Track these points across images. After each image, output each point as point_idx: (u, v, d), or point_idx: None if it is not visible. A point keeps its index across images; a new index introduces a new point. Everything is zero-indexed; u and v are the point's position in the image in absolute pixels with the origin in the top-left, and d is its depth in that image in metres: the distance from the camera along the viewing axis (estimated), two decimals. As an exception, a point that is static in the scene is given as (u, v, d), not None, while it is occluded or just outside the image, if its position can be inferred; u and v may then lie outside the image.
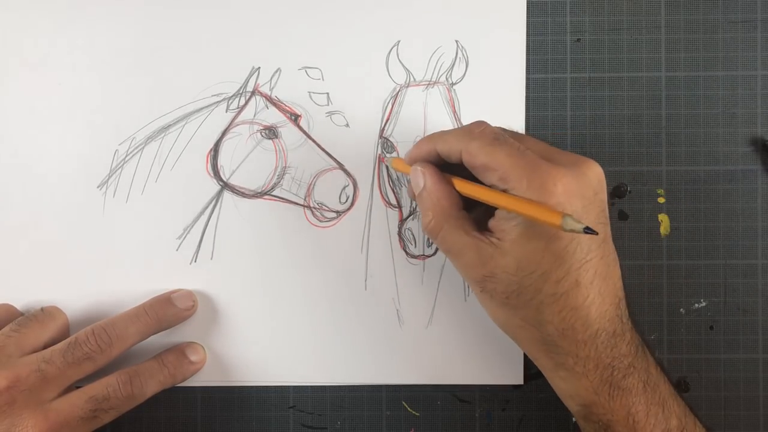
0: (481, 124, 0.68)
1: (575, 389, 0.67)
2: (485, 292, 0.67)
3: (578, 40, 0.81)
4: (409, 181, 0.74)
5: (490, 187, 0.66)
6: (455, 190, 0.69)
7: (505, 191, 0.64)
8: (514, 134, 0.68)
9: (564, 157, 0.65)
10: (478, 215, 0.70)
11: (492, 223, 0.67)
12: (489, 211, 0.68)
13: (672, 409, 0.67)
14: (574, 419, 0.81)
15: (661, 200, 0.81)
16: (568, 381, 0.67)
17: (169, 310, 0.78)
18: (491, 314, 0.70)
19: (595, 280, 0.64)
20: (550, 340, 0.66)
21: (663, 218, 0.81)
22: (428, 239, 0.80)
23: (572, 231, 0.58)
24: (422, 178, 0.70)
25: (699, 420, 0.69)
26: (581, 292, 0.64)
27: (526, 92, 0.80)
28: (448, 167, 0.70)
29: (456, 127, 0.79)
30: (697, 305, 0.81)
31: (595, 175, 0.65)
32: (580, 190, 0.63)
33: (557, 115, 0.81)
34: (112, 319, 0.75)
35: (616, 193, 0.81)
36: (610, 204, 0.80)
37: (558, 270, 0.63)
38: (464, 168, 0.68)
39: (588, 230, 0.57)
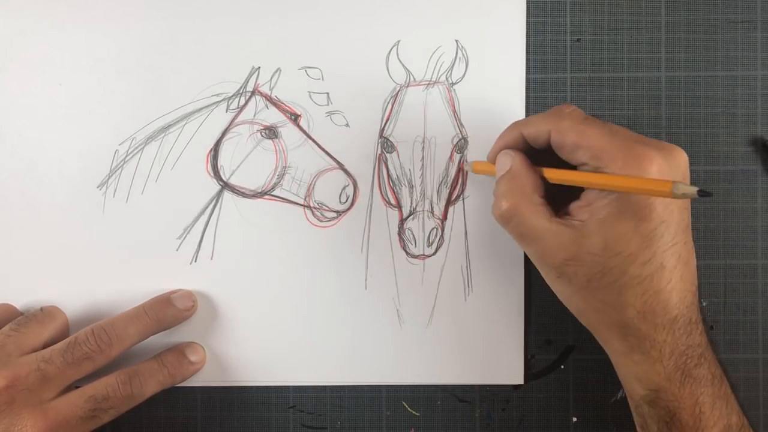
0: (570, 106, 0.69)
1: (647, 373, 0.67)
2: (564, 276, 0.67)
3: (578, 40, 0.81)
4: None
5: (580, 167, 0.66)
6: (540, 179, 0.69)
7: (596, 170, 0.64)
8: (599, 119, 0.68)
9: (650, 140, 0.65)
10: (556, 206, 0.70)
11: (575, 206, 0.67)
12: (566, 201, 0.69)
13: (733, 405, 0.68)
14: (574, 419, 0.80)
15: (662, 200, 0.81)
16: (642, 365, 0.67)
17: (168, 311, 0.78)
18: (566, 299, 0.70)
19: (678, 265, 0.65)
20: (630, 323, 0.66)
21: (663, 218, 0.81)
22: (428, 239, 0.80)
23: (685, 196, 0.57)
24: (510, 161, 0.70)
25: (749, 422, 0.70)
26: (665, 276, 0.64)
27: (526, 92, 0.80)
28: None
29: (456, 125, 0.79)
30: (697, 305, 0.81)
31: (683, 160, 0.65)
32: (671, 173, 0.63)
33: (557, 115, 0.81)
34: (111, 320, 0.75)
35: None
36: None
37: (645, 252, 0.64)
38: (547, 158, 0.69)
39: (703, 193, 0.57)
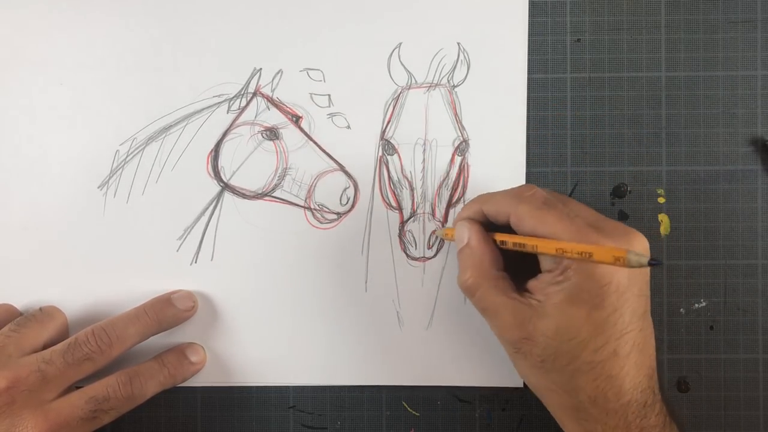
0: (530, 188, 0.69)
1: None
2: (520, 353, 0.67)
3: (578, 40, 0.81)
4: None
5: (537, 254, 0.67)
6: (498, 251, 0.70)
7: (555, 257, 0.65)
8: (561, 198, 0.69)
9: (611, 226, 0.66)
10: (515, 279, 0.70)
11: (533, 284, 0.67)
12: (527, 275, 0.69)
13: None
14: (574, 419, 0.81)
15: (661, 200, 0.81)
16: None
17: (169, 311, 0.78)
18: (523, 375, 0.71)
19: (633, 352, 0.65)
20: (581, 407, 0.66)
21: (663, 218, 0.81)
22: (429, 241, 0.80)
23: (638, 266, 0.57)
24: (467, 234, 0.70)
25: None
26: (618, 363, 0.64)
27: (526, 92, 0.80)
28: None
29: (457, 127, 0.79)
30: (697, 305, 0.81)
31: (642, 248, 0.65)
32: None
33: (557, 115, 0.81)
34: (112, 320, 0.75)
35: (616, 193, 0.81)
36: (611, 204, 0.80)
37: (597, 338, 0.64)
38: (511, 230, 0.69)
39: (653, 262, 0.57)
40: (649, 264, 0.56)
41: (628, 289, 0.64)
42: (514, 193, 0.69)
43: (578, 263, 0.63)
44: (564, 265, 0.64)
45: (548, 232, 0.64)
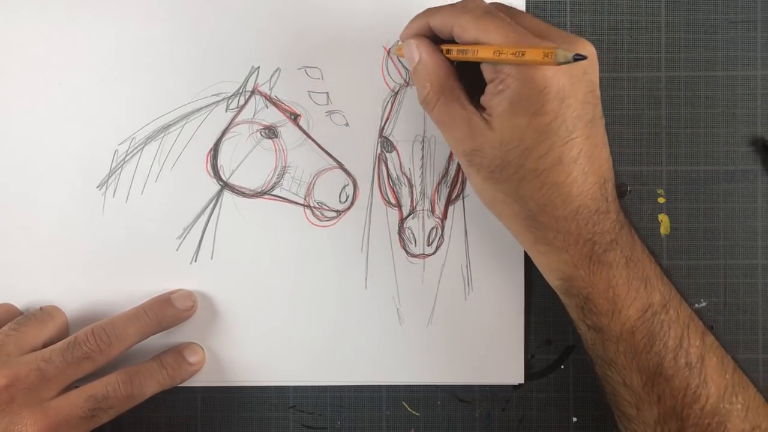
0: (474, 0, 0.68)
1: (555, 263, 0.68)
2: (472, 165, 0.68)
3: (578, 40, 0.81)
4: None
5: (480, 65, 0.67)
6: (450, 63, 0.70)
7: (495, 65, 0.65)
8: (509, 9, 0.69)
9: (556, 34, 0.66)
10: (471, 98, 0.70)
11: (482, 99, 0.68)
12: (480, 93, 0.69)
13: (655, 285, 0.68)
14: (574, 419, 0.81)
15: (661, 200, 0.81)
16: (548, 255, 0.69)
17: (168, 311, 0.78)
18: (477, 189, 0.71)
19: (580, 159, 0.65)
20: (531, 215, 0.67)
21: (663, 218, 0.81)
22: (428, 238, 0.80)
23: (565, 61, 0.58)
24: (416, 51, 0.70)
25: (685, 300, 0.70)
26: (563, 170, 0.65)
27: (526, 92, 0.80)
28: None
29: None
30: (697, 305, 0.81)
31: (587, 52, 0.65)
32: (571, 69, 0.64)
33: (557, 115, 0.81)
34: (111, 319, 0.75)
35: (616, 193, 0.80)
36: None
37: (540, 146, 0.64)
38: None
39: (578, 57, 0.58)
40: (575, 59, 0.58)
41: (571, 95, 0.64)
42: (458, 5, 0.69)
43: (517, 70, 0.63)
44: (504, 73, 0.64)
45: (490, 40, 0.64)
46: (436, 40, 0.71)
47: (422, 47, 0.70)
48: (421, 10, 0.72)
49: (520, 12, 0.69)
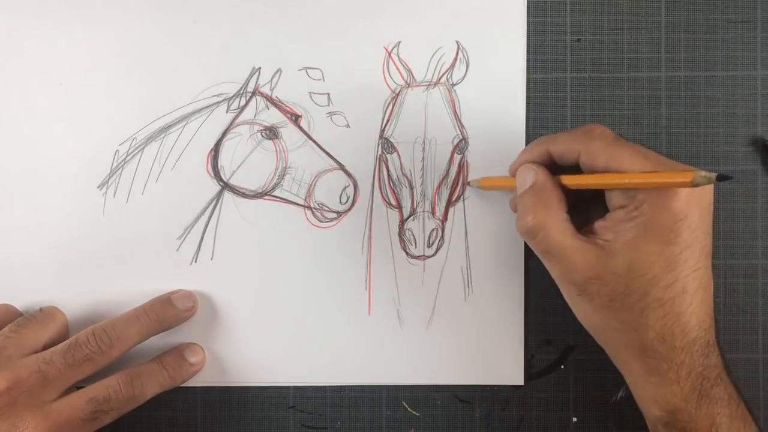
0: (599, 126, 0.69)
1: (664, 395, 0.67)
2: (585, 294, 0.67)
3: (578, 40, 0.81)
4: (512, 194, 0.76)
5: (610, 191, 0.67)
6: (563, 193, 0.69)
7: (627, 195, 0.65)
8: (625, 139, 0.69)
9: (679, 165, 0.65)
10: (577, 221, 0.70)
11: (600, 225, 0.68)
12: (589, 216, 0.70)
13: (751, 426, 0.68)
14: (574, 419, 0.81)
15: (662, 200, 0.81)
16: (659, 386, 0.67)
17: (169, 311, 0.78)
18: (586, 318, 0.70)
19: (699, 290, 0.65)
20: (649, 345, 0.66)
21: (663, 218, 0.81)
22: (429, 240, 0.80)
23: (707, 183, 0.59)
24: (533, 175, 0.70)
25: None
26: (686, 300, 0.65)
27: (526, 92, 0.80)
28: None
29: (456, 125, 0.80)
30: (697, 305, 0.81)
31: (710, 187, 0.65)
32: (698, 199, 0.64)
33: (557, 115, 0.81)
34: (112, 320, 0.75)
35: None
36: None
37: (668, 275, 0.64)
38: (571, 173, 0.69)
39: (722, 177, 0.58)
40: (718, 179, 0.58)
41: (699, 226, 0.64)
42: (583, 130, 0.69)
43: (653, 198, 0.63)
44: (638, 200, 0.64)
45: (622, 167, 0.64)
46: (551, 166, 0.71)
47: (540, 172, 0.70)
48: (541, 137, 0.73)
49: (641, 147, 0.68)
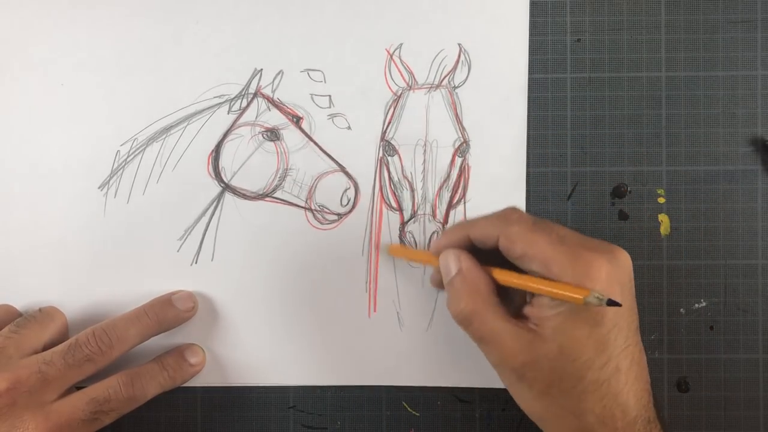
0: (516, 211, 0.69)
1: None
2: (524, 380, 0.66)
3: (578, 40, 0.81)
4: (431, 273, 0.77)
5: (528, 273, 0.67)
6: (491, 278, 0.69)
7: (545, 277, 0.64)
8: (545, 221, 0.68)
9: (596, 244, 0.66)
10: (507, 303, 0.69)
11: (529, 310, 0.67)
12: (520, 298, 0.70)
13: None
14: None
15: (661, 200, 0.81)
16: None
17: (169, 312, 0.78)
18: (527, 405, 0.69)
19: (633, 366, 0.65)
20: (590, 429, 0.65)
21: (663, 218, 0.81)
22: (429, 242, 0.80)
23: (598, 304, 0.60)
24: (456, 263, 0.70)
25: None
26: (621, 378, 0.64)
27: (527, 92, 0.80)
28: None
29: (459, 130, 0.80)
30: (697, 305, 0.81)
31: (627, 263, 0.66)
32: (618, 277, 0.64)
33: (557, 115, 0.81)
34: (112, 321, 0.75)
35: (616, 193, 0.81)
36: (611, 204, 0.80)
37: (601, 356, 0.64)
38: (491, 256, 0.69)
39: (611, 302, 0.60)
40: (608, 304, 0.60)
41: (623, 304, 0.64)
42: (500, 216, 0.69)
43: (574, 283, 0.63)
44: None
45: (539, 253, 0.64)
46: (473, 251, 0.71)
47: (464, 259, 0.69)
48: (458, 222, 0.75)
49: (555, 224, 0.68)
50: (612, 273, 0.63)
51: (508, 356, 0.66)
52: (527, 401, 0.68)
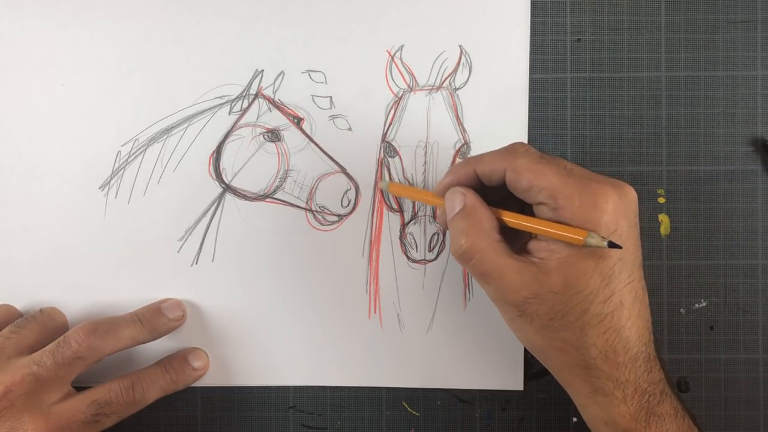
0: (523, 145, 0.69)
1: (612, 416, 0.66)
2: (525, 315, 0.66)
3: (578, 40, 0.81)
4: (434, 210, 0.78)
5: (537, 204, 0.67)
6: (494, 215, 0.69)
7: (552, 209, 0.65)
8: (553, 156, 0.68)
9: (603, 177, 0.66)
10: (513, 241, 0.70)
11: (534, 244, 0.67)
12: (521, 239, 0.70)
13: None
14: (574, 419, 0.81)
15: (661, 200, 0.81)
16: (606, 407, 0.66)
17: (160, 319, 0.78)
18: (527, 339, 0.69)
19: (636, 302, 0.65)
20: (592, 363, 0.65)
21: (663, 218, 0.81)
22: (430, 244, 0.80)
23: (593, 246, 0.61)
24: (462, 199, 0.69)
25: None
26: (624, 313, 0.65)
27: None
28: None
29: (458, 130, 0.80)
30: (697, 305, 0.81)
31: (634, 198, 0.66)
32: (625, 211, 0.65)
33: (557, 115, 0.81)
34: (101, 318, 0.76)
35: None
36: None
37: (605, 290, 0.64)
38: (496, 194, 0.70)
39: (612, 244, 0.60)
40: (609, 245, 0.61)
41: (629, 238, 0.65)
42: (507, 149, 0.69)
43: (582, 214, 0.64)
44: (568, 217, 0.65)
45: (546, 184, 0.64)
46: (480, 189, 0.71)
47: (470, 196, 0.69)
48: (465, 159, 0.73)
49: (564, 160, 0.68)
50: (619, 205, 0.64)
51: (509, 291, 0.66)
52: (528, 335, 0.68)
